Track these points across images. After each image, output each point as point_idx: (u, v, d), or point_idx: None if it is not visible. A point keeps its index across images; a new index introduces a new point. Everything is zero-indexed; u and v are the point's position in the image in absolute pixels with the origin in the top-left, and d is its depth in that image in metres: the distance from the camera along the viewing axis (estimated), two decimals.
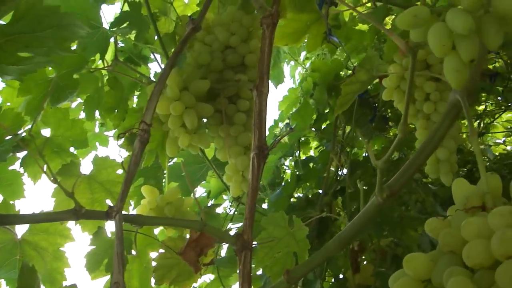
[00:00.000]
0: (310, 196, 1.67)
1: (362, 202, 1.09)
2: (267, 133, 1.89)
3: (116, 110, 1.18)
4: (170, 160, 1.42)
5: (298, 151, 1.82)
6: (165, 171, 1.42)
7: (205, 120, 1.15)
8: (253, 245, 0.96)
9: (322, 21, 1.36)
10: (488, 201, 0.64)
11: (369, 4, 1.35)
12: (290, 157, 1.92)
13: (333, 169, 1.81)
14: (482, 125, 2.12)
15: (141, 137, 0.94)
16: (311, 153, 1.99)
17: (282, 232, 1.01)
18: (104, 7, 1.42)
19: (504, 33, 0.51)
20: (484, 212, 0.62)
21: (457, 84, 0.53)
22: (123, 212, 0.86)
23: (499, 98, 1.77)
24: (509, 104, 1.79)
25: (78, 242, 1.14)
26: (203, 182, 1.52)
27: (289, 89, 1.69)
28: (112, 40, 1.31)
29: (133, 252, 1.13)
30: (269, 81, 1.34)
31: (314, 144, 1.96)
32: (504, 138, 2.38)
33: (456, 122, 1.17)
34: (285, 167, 1.98)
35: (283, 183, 1.61)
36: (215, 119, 1.15)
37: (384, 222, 1.47)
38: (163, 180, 1.41)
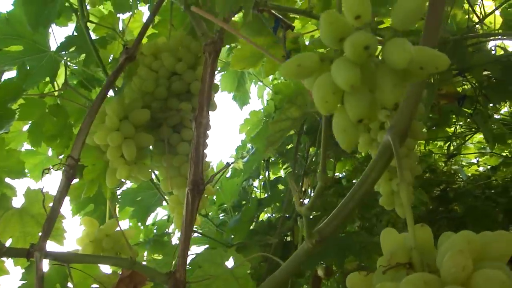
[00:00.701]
0: (272, 220, 1.59)
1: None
2: (233, 153, 1.83)
3: (59, 138, 1.11)
4: (125, 184, 1.35)
5: (267, 172, 1.74)
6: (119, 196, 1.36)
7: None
8: (187, 284, 0.89)
9: (280, 45, 1.30)
10: (414, 258, 0.56)
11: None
12: (261, 177, 1.85)
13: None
14: (452, 147, 2.05)
15: (67, 172, 0.87)
16: (282, 173, 1.92)
17: (219, 270, 0.94)
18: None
19: (403, 87, 0.43)
20: (410, 270, 0.55)
21: (346, 146, 0.45)
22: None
23: (469, 120, 1.70)
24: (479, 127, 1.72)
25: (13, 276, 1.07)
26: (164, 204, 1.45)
27: (250, 111, 1.62)
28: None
29: (70, 285, 1.05)
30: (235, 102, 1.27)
31: (285, 164, 1.89)
32: (477, 159, 2.30)
33: (411, 152, 1.10)
34: (254, 188, 1.91)
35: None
36: (159, 149, 1.08)
37: (347, 249, 1.39)
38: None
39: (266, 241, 1.48)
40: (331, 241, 1.43)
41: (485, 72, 1.48)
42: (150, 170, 1.07)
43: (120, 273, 0.95)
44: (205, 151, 1.12)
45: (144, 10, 1.41)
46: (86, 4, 1.19)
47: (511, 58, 1.47)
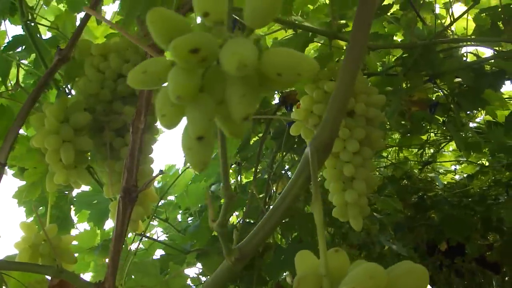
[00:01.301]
0: (238, 226, 1.53)
1: None
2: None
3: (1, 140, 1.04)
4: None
5: (239, 176, 1.68)
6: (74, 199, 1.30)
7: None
8: None
9: None
10: (325, 286, 0.49)
11: (290, 31, 1.21)
12: (233, 181, 1.79)
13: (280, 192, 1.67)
14: (428, 154, 1.98)
15: None
16: None
17: (152, 281, 0.87)
18: None
19: (254, 97, 0.36)
20: None
21: (195, 165, 0.38)
22: None
23: (444, 127, 1.63)
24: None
25: None
26: None
27: None
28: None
29: None
30: None
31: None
32: (455, 167, 2.23)
33: (367, 162, 1.04)
34: None
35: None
36: (101, 153, 1.01)
37: None
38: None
39: None
40: (294, 248, 1.37)
41: (458, 79, 1.41)
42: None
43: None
44: (151, 155, 1.06)
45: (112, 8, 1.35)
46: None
47: (483, 65, 1.40)
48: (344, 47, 1.32)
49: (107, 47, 1.06)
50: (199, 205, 1.58)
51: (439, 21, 1.46)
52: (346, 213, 1.03)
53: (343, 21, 1.26)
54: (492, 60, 1.39)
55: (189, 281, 1.38)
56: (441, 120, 1.54)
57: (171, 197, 1.63)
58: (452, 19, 1.32)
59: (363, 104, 1.03)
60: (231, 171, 1.71)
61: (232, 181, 1.75)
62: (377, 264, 0.44)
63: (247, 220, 1.45)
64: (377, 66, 1.40)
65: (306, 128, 1.05)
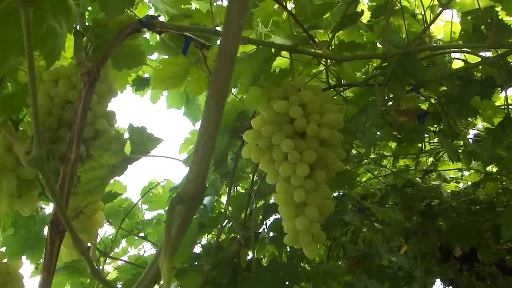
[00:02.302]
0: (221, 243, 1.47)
1: None
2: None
3: None
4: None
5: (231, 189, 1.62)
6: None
7: None
8: None
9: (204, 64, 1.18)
10: None
11: (253, 46, 1.14)
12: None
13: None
14: (427, 163, 1.86)
15: None
16: None
17: None
18: None
19: None
20: None
21: None
22: None
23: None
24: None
25: None
26: None
27: (191, 131, 1.50)
28: None
29: None
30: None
31: None
32: (462, 173, 2.08)
33: (320, 186, 0.96)
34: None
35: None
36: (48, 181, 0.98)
37: (287, 277, 1.26)
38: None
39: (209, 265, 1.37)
40: (270, 268, 1.30)
41: (444, 88, 1.30)
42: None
43: None
44: None
45: None
46: None
47: (472, 72, 1.28)
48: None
49: (58, 73, 1.03)
50: None
51: (413, 28, 1.35)
52: (298, 240, 0.96)
53: (311, 32, 1.19)
54: (480, 67, 1.27)
55: None
56: (434, 129, 1.42)
57: (159, 211, 1.59)
58: (425, 25, 1.20)
59: (315, 124, 0.95)
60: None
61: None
62: None
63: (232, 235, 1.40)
64: (356, 76, 1.31)
65: (256, 150, 0.98)
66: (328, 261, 1.81)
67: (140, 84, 1.44)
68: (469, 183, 1.94)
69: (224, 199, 1.72)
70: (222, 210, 1.56)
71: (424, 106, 1.45)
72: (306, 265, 1.55)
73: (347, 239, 1.97)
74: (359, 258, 1.73)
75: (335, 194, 1.83)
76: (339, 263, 1.93)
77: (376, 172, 1.97)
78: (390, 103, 1.43)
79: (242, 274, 1.43)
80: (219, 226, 1.26)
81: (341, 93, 1.41)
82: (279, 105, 0.96)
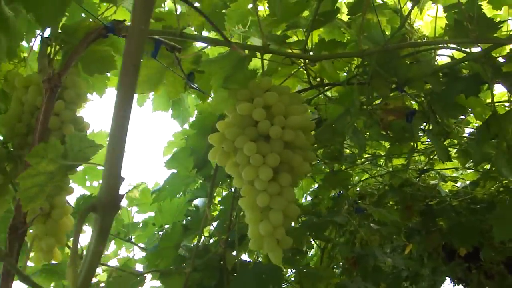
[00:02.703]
0: (208, 245, 1.46)
1: None
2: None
3: None
4: None
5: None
6: None
7: None
8: None
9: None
10: None
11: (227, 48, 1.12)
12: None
13: None
14: (421, 162, 1.80)
15: None
16: None
17: None
18: None
19: None
20: None
21: None
22: None
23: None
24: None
25: None
26: None
27: (174, 133, 1.48)
28: None
29: None
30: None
31: None
32: (461, 172, 2.00)
33: (285, 189, 0.93)
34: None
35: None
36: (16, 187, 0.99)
37: (269, 280, 1.24)
38: None
39: (195, 267, 1.36)
40: (254, 270, 1.28)
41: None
42: None
43: None
44: None
45: None
46: None
47: (458, 69, 1.23)
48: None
49: (29, 79, 1.03)
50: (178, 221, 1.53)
51: (397, 25, 1.30)
52: (262, 244, 0.94)
53: (291, 31, 1.16)
54: (466, 64, 1.22)
55: None
56: (424, 128, 1.38)
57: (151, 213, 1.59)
58: (408, 20, 1.16)
59: (278, 127, 0.92)
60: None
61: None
62: None
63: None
64: (338, 75, 1.27)
65: (221, 154, 0.96)
66: (322, 262, 1.78)
67: None
68: (467, 182, 1.88)
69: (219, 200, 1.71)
70: (216, 213, 1.55)
71: (414, 105, 1.40)
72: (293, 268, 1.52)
73: (344, 239, 1.94)
74: (355, 259, 1.70)
75: (331, 195, 1.80)
76: (335, 264, 1.90)
77: (373, 172, 1.93)
78: (378, 102, 1.40)
79: (228, 276, 1.41)
80: (200, 228, 1.25)
81: (326, 93, 1.37)
82: (242, 107, 0.94)
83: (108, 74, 1.27)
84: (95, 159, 1.11)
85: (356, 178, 2.00)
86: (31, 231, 0.95)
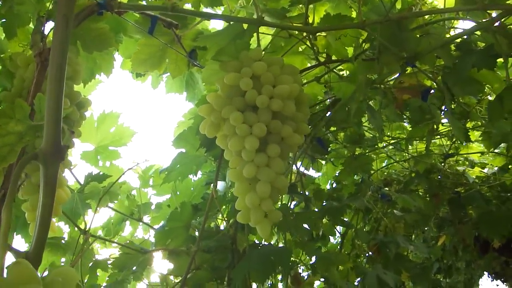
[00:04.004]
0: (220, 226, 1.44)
1: None
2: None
3: None
4: None
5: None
6: None
7: None
8: None
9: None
10: None
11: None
12: None
13: None
14: (445, 146, 1.69)
15: None
16: None
17: None
18: None
19: None
20: None
21: None
22: None
23: None
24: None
25: None
26: None
27: (184, 114, 1.46)
28: None
29: None
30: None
31: None
32: (488, 155, 1.86)
33: (274, 160, 0.89)
34: None
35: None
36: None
37: (276, 260, 1.20)
38: None
39: (208, 248, 1.34)
40: (262, 251, 1.25)
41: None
42: None
43: None
44: None
45: None
46: None
47: (468, 40, 1.15)
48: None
49: (31, 58, 1.05)
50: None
51: None
52: (249, 217, 0.90)
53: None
54: (480, 36, 1.13)
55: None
56: (440, 107, 1.30)
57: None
58: None
59: (265, 96, 0.89)
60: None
61: None
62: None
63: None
64: (346, 52, 1.22)
65: (210, 125, 0.94)
66: (342, 248, 1.72)
67: None
68: (496, 168, 1.76)
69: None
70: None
71: (429, 83, 1.33)
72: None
73: (369, 227, 1.86)
74: (378, 246, 1.62)
75: (355, 181, 1.74)
76: (359, 252, 1.83)
77: (396, 157, 1.84)
78: (392, 80, 1.33)
79: (239, 258, 1.38)
80: (206, 209, 1.22)
81: (338, 72, 1.32)
82: (229, 77, 0.91)
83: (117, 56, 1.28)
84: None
85: (380, 163, 1.92)
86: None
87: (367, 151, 1.61)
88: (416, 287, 1.75)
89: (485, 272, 2.51)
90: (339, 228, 1.76)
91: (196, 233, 1.36)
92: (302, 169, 1.64)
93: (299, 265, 1.55)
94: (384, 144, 1.67)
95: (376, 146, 1.64)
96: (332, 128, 1.51)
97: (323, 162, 1.74)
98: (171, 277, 1.37)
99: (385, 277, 1.46)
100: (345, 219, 1.64)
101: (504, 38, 1.07)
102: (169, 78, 1.44)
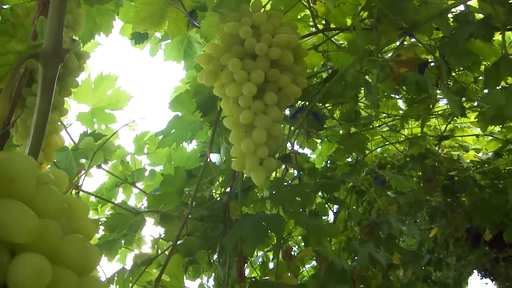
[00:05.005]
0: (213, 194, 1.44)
1: None
2: None
3: None
4: None
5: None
6: None
7: None
8: None
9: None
10: None
11: None
12: None
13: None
14: (438, 127, 1.71)
15: None
16: None
17: None
18: None
19: None
20: None
21: None
22: None
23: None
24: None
25: None
26: None
27: (181, 79, 1.47)
28: None
29: None
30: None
31: None
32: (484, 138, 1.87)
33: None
34: None
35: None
36: None
37: (269, 226, 1.20)
38: None
39: (200, 217, 1.35)
40: (255, 217, 1.25)
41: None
42: None
43: None
44: None
45: None
46: None
47: (467, 11, 1.17)
48: None
49: (31, 7, 1.06)
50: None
51: None
52: (244, 164, 0.91)
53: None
54: (477, 8, 1.16)
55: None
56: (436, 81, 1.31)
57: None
58: None
59: (264, 44, 0.90)
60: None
61: None
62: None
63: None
64: (345, 20, 1.24)
65: (208, 74, 0.95)
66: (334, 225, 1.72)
67: (139, 38, 1.46)
68: (490, 153, 1.77)
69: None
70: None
71: (427, 57, 1.35)
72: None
73: (361, 209, 1.87)
74: (371, 227, 1.63)
75: (349, 163, 1.75)
76: (351, 234, 1.83)
77: (391, 139, 1.85)
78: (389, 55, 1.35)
79: (231, 227, 1.39)
80: (200, 173, 1.23)
81: (336, 43, 1.34)
82: (229, 26, 0.93)
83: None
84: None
85: (374, 146, 1.93)
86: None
87: (362, 129, 1.62)
88: (407, 271, 1.76)
89: (474, 271, 2.51)
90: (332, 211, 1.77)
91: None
92: (296, 147, 1.65)
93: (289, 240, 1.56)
94: (379, 124, 1.69)
95: (371, 126, 1.65)
96: (328, 104, 1.52)
97: (318, 141, 1.76)
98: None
99: (377, 255, 1.47)
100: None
101: (502, 7, 1.09)
102: (167, 46, 1.45)
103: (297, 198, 1.46)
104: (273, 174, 1.56)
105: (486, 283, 2.86)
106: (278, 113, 0.92)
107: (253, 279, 1.55)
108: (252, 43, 0.91)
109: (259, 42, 0.91)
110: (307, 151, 1.74)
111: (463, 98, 1.38)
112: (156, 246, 1.35)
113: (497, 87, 1.12)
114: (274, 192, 1.49)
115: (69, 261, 0.44)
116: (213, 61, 0.93)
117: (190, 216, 1.38)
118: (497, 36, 1.31)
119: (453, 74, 1.36)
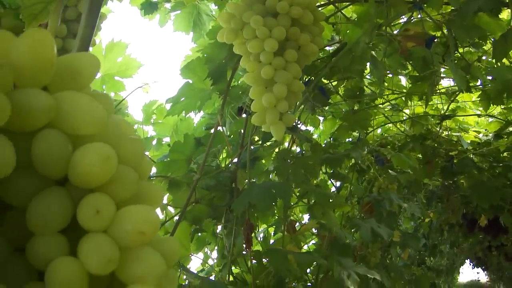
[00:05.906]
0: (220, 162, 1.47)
1: None
2: None
3: None
4: None
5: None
6: None
7: None
8: None
9: None
10: None
11: None
12: None
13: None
14: (440, 106, 1.76)
15: None
16: None
17: None
18: None
19: None
20: None
21: None
22: None
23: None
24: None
25: None
26: None
27: (191, 48, 1.50)
28: None
29: None
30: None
31: None
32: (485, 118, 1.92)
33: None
34: None
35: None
36: None
37: (278, 193, 1.23)
38: None
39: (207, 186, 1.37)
40: (263, 185, 1.28)
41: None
42: None
43: None
44: None
45: None
46: None
47: None
48: None
49: None
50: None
51: None
52: (264, 119, 0.95)
53: None
54: None
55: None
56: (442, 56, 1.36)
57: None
58: None
59: (286, 2, 0.94)
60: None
61: None
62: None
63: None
64: None
65: (229, 31, 0.98)
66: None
67: (149, 8, 1.48)
68: (491, 135, 1.82)
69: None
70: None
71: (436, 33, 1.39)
72: None
73: (363, 187, 1.91)
74: (372, 205, 1.67)
75: (349, 139, 1.79)
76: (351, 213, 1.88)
77: (393, 118, 1.90)
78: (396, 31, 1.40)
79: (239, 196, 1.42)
80: (209, 143, 1.26)
81: (346, 15, 1.38)
82: None
83: None
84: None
85: (377, 125, 1.97)
86: None
87: (365, 106, 1.66)
88: (404, 253, 1.81)
89: (466, 261, 2.57)
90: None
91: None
92: (300, 124, 1.69)
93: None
94: (383, 102, 1.73)
95: (374, 104, 1.69)
96: (333, 80, 1.56)
97: (321, 118, 1.80)
98: (171, 209, 1.40)
99: (379, 229, 1.51)
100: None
101: None
102: (177, 17, 1.48)
103: (302, 170, 1.50)
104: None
105: (478, 273, 2.92)
106: (298, 70, 0.95)
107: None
108: (274, 1, 0.94)
109: (281, 1, 0.94)
110: (310, 129, 1.78)
111: (467, 76, 1.43)
112: (164, 211, 1.37)
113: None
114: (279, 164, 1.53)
115: (130, 161, 0.45)
116: (234, 19, 0.97)
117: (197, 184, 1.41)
118: (504, 14, 1.36)
119: (459, 50, 1.41)
